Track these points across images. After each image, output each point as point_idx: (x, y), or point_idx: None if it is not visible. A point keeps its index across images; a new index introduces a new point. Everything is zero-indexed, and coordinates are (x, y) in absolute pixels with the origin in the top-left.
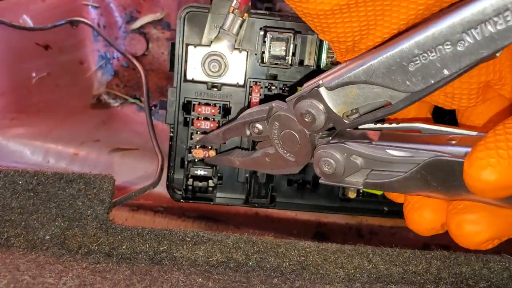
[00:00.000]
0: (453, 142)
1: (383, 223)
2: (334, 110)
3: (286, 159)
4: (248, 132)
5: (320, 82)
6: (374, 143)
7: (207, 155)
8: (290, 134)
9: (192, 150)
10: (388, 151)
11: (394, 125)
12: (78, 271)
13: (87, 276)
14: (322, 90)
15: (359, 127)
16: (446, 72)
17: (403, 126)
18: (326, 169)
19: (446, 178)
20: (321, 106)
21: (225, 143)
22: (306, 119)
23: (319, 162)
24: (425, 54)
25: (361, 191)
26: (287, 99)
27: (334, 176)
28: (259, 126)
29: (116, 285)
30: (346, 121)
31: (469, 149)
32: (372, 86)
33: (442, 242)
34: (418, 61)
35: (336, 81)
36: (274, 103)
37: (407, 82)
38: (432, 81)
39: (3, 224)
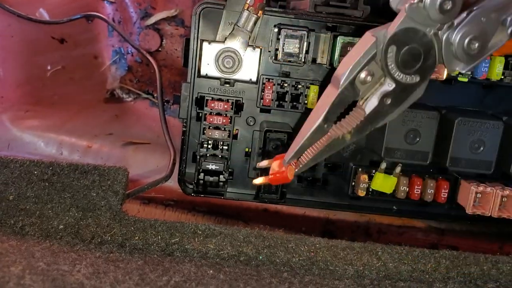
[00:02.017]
0: None
1: (392, 223)
2: None
3: (411, 85)
4: (359, 89)
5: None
6: None
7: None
8: (411, 49)
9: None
10: None
11: None
12: (91, 260)
13: (100, 264)
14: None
15: None
16: None
17: None
18: (473, 46)
19: None
20: None
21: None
22: (445, 8)
23: (463, 43)
24: None
25: (370, 190)
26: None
27: (481, 48)
28: (370, 69)
29: (129, 274)
30: None
31: None
32: None
33: (450, 243)
34: None
35: None
36: (371, 34)
37: None
38: None
39: (18, 213)
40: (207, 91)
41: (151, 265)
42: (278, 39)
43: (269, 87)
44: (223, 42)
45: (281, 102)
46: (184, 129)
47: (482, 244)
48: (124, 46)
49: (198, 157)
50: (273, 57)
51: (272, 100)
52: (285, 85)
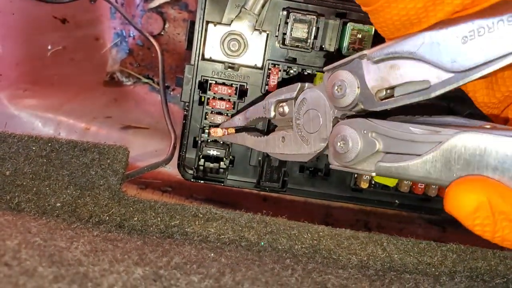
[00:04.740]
0: (487, 126)
1: (392, 218)
2: (369, 86)
3: (301, 144)
4: (272, 114)
5: (365, 52)
6: (397, 120)
7: (226, 133)
8: (314, 113)
9: (210, 129)
10: (411, 128)
11: (424, 117)
12: (89, 238)
13: (98, 243)
14: (364, 62)
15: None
16: (502, 51)
17: (433, 119)
18: (341, 146)
19: (472, 159)
20: (356, 80)
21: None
22: (337, 92)
23: (335, 138)
24: (482, 29)
25: (373, 182)
26: (325, 68)
27: (347, 156)
28: (285, 106)
29: (128, 253)
30: (377, 101)
31: (504, 133)
32: (416, 62)
33: (451, 240)
34: (473, 36)
35: (381, 52)
36: (306, 84)
37: (455, 59)
38: (482, 61)
39: (15, 188)
40: (211, 75)
41: (150, 246)
42: (286, 23)
43: (274, 73)
44: (229, 25)
45: None
46: (185, 113)
47: (483, 243)
48: (126, 29)
49: (199, 142)
50: (281, 42)
51: (277, 86)
52: (291, 71)
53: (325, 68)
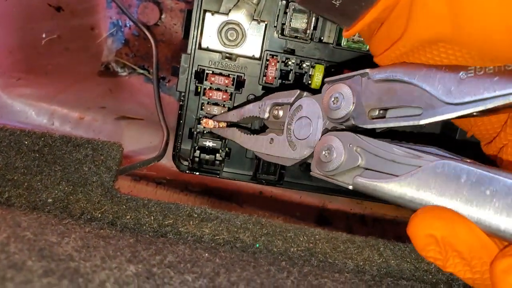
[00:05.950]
0: (468, 160)
1: (387, 212)
2: (364, 103)
3: (287, 148)
4: (267, 115)
5: (367, 71)
6: (383, 140)
7: (217, 126)
8: (306, 121)
9: (201, 120)
10: (394, 148)
11: (409, 144)
12: (81, 234)
13: (90, 239)
14: (364, 80)
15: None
16: (494, 92)
17: (418, 147)
18: (325, 155)
19: (448, 187)
20: (353, 95)
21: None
22: (333, 103)
23: (321, 146)
24: (481, 69)
25: None
26: (326, 79)
27: (328, 166)
28: (280, 110)
29: (120, 250)
30: (368, 119)
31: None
32: (413, 87)
33: None
34: (472, 74)
35: (385, 74)
36: (305, 92)
37: (451, 91)
38: (477, 97)
39: (5, 183)
40: (208, 65)
41: (143, 244)
42: (285, 13)
43: (273, 64)
44: (227, 14)
45: (284, 81)
46: (181, 103)
47: None
48: (122, 18)
49: (195, 133)
50: (279, 32)
51: (275, 78)
52: (290, 62)
53: (326, 80)
